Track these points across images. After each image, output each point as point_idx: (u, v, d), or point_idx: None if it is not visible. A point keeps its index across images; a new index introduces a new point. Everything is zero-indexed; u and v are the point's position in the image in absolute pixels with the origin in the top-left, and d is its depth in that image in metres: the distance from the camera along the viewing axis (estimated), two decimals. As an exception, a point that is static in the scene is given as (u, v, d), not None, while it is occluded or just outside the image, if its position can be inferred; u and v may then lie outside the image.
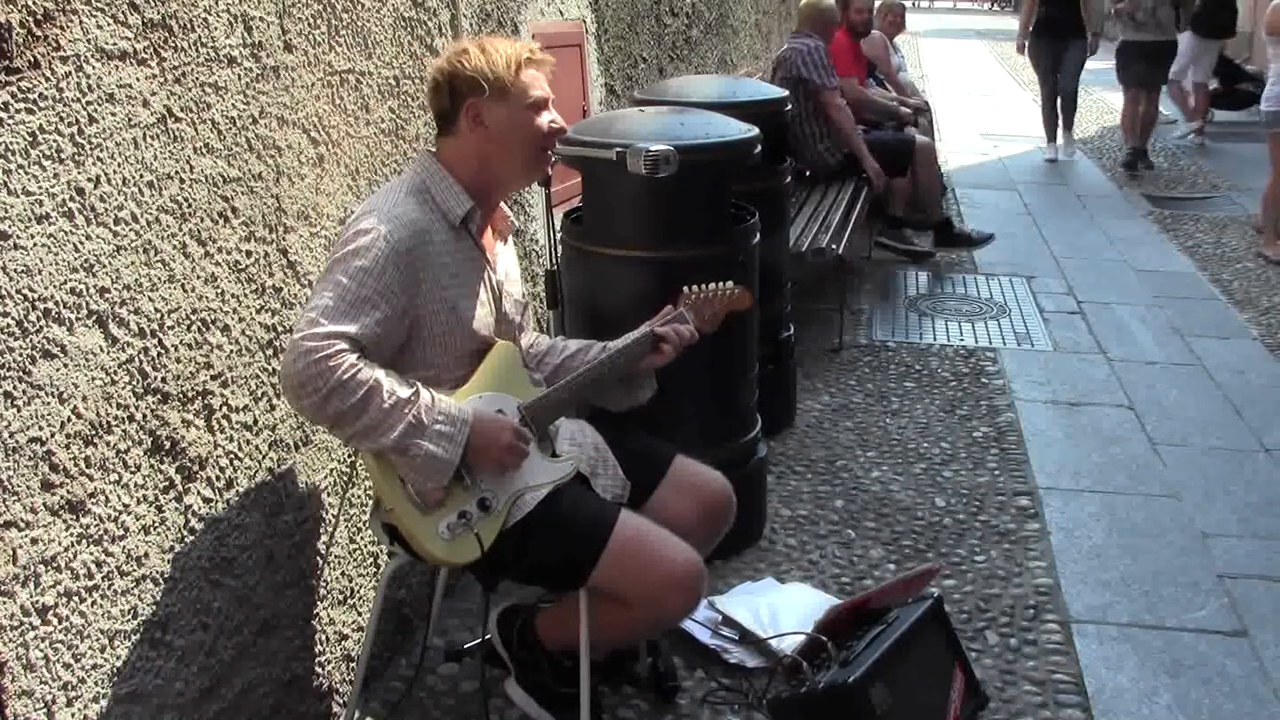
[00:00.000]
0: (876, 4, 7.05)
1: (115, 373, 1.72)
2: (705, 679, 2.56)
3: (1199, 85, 9.66)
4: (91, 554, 1.68)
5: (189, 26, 1.86)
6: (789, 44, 5.66)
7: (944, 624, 2.42)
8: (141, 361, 1.77)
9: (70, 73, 1.62)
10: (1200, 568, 3.13)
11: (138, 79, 1.75)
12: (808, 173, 5.75)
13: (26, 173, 1.55)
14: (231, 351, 2.00)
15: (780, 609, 2.72)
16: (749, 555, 3.12)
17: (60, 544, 1.62)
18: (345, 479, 2.37)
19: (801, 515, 3.37)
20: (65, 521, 1.63)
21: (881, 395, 4.36)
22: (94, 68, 1.66)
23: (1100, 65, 9.87)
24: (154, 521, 1.82)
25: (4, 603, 1.54)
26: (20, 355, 1.54)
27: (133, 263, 1.75)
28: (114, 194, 1.71)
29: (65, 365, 1.62)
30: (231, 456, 2.01)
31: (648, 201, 2.81)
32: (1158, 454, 3.86)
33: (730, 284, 2.33)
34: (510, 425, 2.00)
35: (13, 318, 1.53)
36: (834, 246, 4.53)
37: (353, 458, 2.30)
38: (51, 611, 1.62)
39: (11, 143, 1.52)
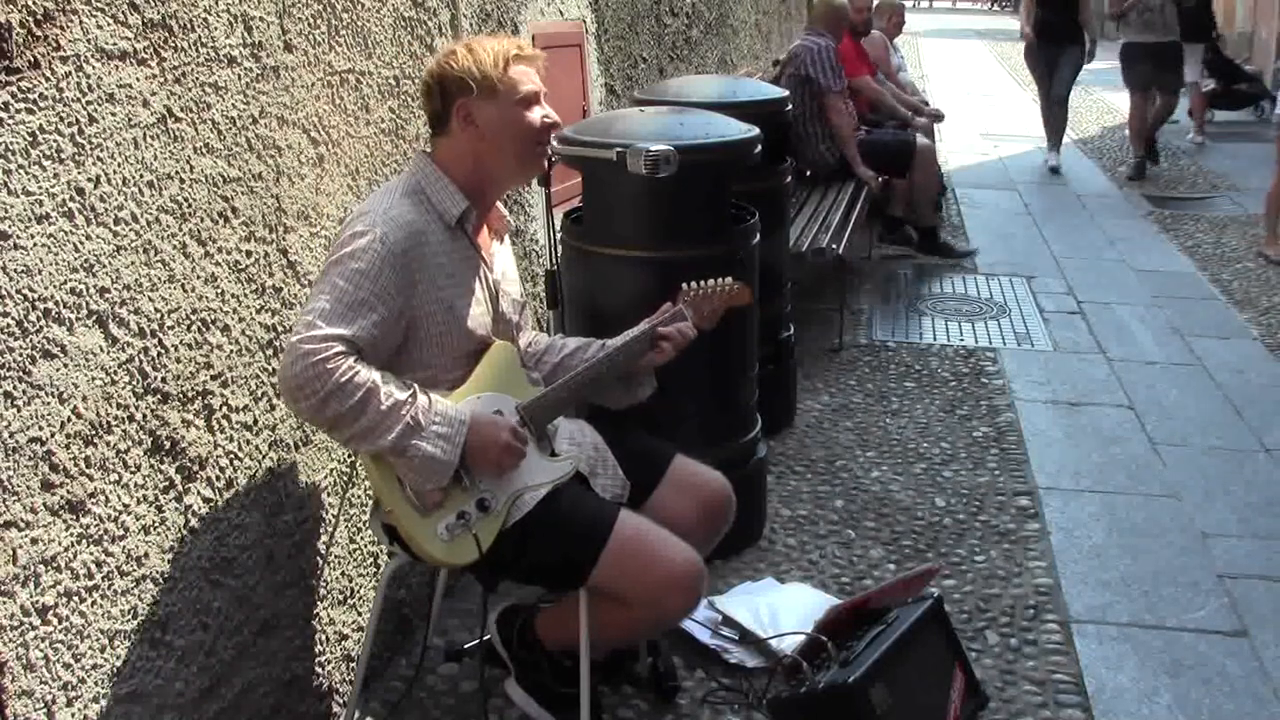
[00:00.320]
0: (875, 4, 7.04)
1: (115, 373, 1.72)
2: (705, 679, 2.56)
3: (1192, 85, 9.67)
4: (91, 554, 1.68)
5: (189, 26, 1.86)
6: (800, 40, 5.66)
7: (944, 624, 2.42)
8: (141, 361, 1.77)
9: (70, 73, 1.62)
10: (1200, 568, 3.12)
11: (138, 79, 1.75)
12: (808, 173, 5.75)
13: (26, 173, 1.55)
14: (231, 351, 2.00)
15: (780, 609, 2.72)
16: (749, 555, 3.12)
17: (60, 544, 1.62)
18: (345, 479, 2.37)
19: (801, 515, 3.37)
20: (65, 521, 1.63)
21: (881, 395, 4.36)
22: (94, 68, 1.66)
23: (1101, 65, 9.86)
24: (154, 521, 1.82)
25: (4, 603, 1.54)
26: (20, 355, 1.54)
27: (133, 263, 1.75)
28: (114, 194, 1.71)
29: (65, 365, 1.62)
30: (231, 456, 2.01)
31: (648, 201, 2.81)
32: (1158, 454, 3.86)
33: (729, 280, 2.33)
34: (508, 425, 1.99)
35: (13, 318, 1.53)
36: (834, 246, 4.53)
37: (352, 458, 2.30)
38: (51, 611, 1.62)
39: (11, 143, 1.52)
